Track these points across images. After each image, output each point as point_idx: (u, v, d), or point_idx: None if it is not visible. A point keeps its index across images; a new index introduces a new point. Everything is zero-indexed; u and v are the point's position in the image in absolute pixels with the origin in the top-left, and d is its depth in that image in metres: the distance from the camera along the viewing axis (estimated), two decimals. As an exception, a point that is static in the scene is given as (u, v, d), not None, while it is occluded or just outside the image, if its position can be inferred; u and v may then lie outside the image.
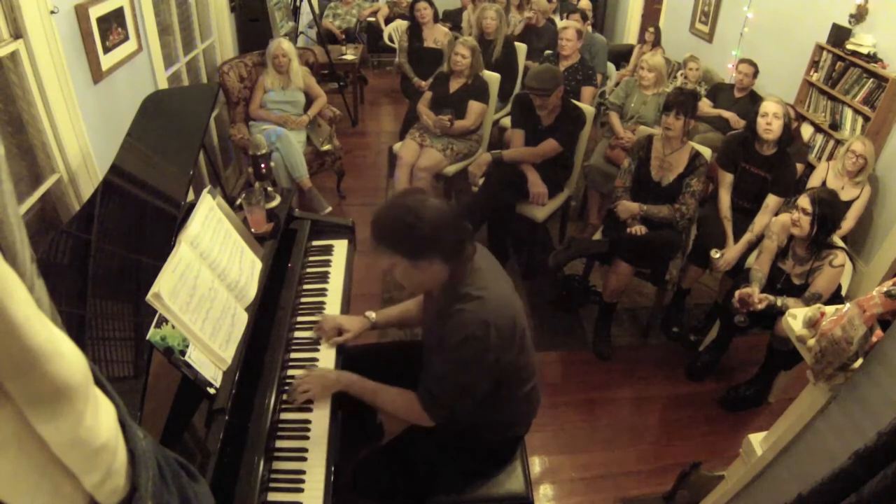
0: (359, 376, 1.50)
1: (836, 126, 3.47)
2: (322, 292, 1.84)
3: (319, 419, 1.43)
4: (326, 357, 1.62)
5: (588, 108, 3.08)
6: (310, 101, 3.61)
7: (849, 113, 3.38)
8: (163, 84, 2.77)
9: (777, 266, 2.30)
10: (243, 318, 1.44)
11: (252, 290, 1.53)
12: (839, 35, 3.42)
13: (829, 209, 2.07)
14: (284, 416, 1.43)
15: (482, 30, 4.07)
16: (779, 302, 2.14)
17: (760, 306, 2.13)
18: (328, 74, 4.75)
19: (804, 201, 2.11)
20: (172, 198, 1.59)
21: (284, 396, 1.46)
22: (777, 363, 2.36)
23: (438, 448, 1.55)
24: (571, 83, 3.66)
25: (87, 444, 0.37)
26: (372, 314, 1.72)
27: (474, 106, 3.32)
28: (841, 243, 2.27)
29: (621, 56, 5.49)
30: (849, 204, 2.96)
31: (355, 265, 2.06)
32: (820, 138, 3.59)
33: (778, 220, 2.30)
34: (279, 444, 1.36)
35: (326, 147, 3.60)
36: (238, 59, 3.56)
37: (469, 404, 1.39)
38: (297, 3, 4.97)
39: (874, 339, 1.18)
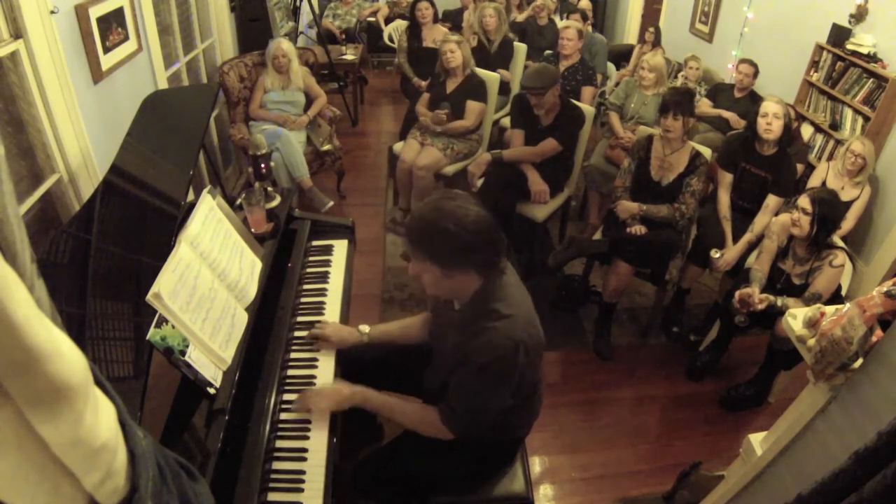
0: (374, 391, 1.48)
1: (836, 126, 3.47)
2: (322, 292, 1.84)
3: (319, 419, 1.42)
4: (326, 357, 1.62)
5: (588, 108, 3.08)
6: (310, 101, 3.62)
7: (849, 113, 3.38)
8: (163, 84, 2.77)
9: (777, 266, 2.30)
10: (243, 318, 1.44)
11: (252, 290, 1.53)
12: (839, 35, 3.42)
13: (828, 209, 2.07)
14: (284, 416, 1.43)
15: (483, 28, 4.08)
16: (779, 302, 2.15)
17: (760, 306, 2.13)
18: (328, 74, 4.75)
19: (804, 201, 2.11)
20: (172, 198, 1.59)
21: (293, 403, 1.44)
22: (777, 363, 2.36)
23: (438, 448, 1.54)
24: (571, 83, 3.66)
25: (86, 444, 0.37)
26: (366, 329, 1.65)
27: (473, 105, 3.32)
28: (841, 243, 2.27)
29: (621, 56, 5.49)
30: (849, 204, 2.96)
31: (355, 265, 2.06)
32: (820, 138, 3.59)
33: (778, 220, 2.30)
34: (279, 444, 1.36)
35: (326, 147, 3.60)
36: (238, 59, 3.56)
37: (491, 419, 1.40)
38: (297, 3, 4.97)
39: (874, 339, 1.18)
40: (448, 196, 1.28)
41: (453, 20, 5.56)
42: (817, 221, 2.07)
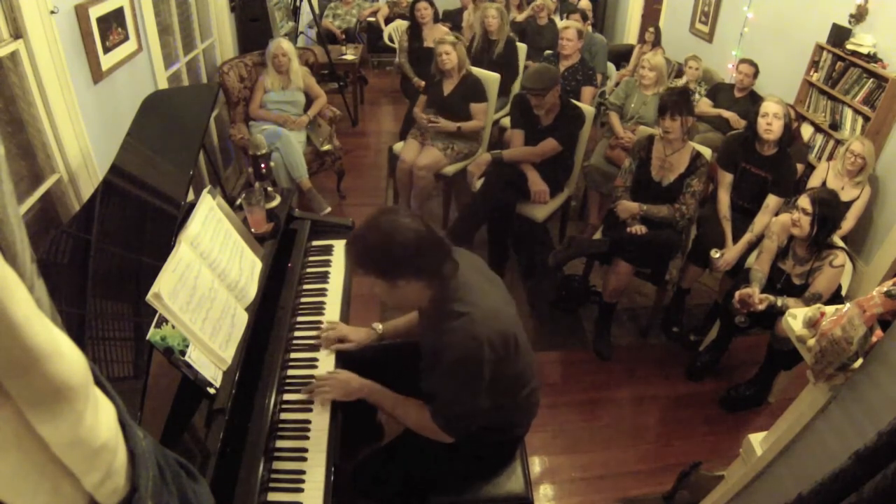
0: (381, 387, 1.50)
1: (836, 126, 3.46)
2: (322, 292, 1.84)
3: (319, 419, 1.43)
4: (326, 357, 1.61)
5: (588, 108, 3.08)
6: (310, 101, 3.61)
7: (849, 113, 3.38)
8: (163, 84, 2.77)
9: (777, 266, 2.30)
10: (243, 318, 1.44)
11: (252, 290, 1.53)
12: (839, 35, 3.42)
13: (829, 209, 2.07)
14: (284, 416, 1.43)
15: (485, 29, 4.07)
16: (779, 302, 2.14)
17: (761, 307, 2.13)
18: (328, 74, 4.75)
19: (804, 202, 2.10)
20: (172, 198, 1.59)
21: (302, 395, 1.47)
22: (777, 363, 2.36)
23: (438, 448, 1.54)
24: (571, 83, 3.66)
25: (86, 444, 0.36)
26: (379, 326, 1.72)
27: (477, 108, 3.33)
28: (841, 243, 2.27)
29: (621, 56, 5.48)
30: (849, 204, 2.96)
31: (355, 265, 2.06)
32: (820, 138, 3.59)
33: (778, 220, 2.30)
34: (279, 444, 1.36)
35: (326, 147, 3.60)
36: (238, 59, 3.56)
37: (481, 417, 1.41)
38: (297, 3, 4.97)
39: (874, 339, 1.18)
40: (382, 212, 1.33)
41: (453, 20, 5.56)
42: (817, 221, 2.07)
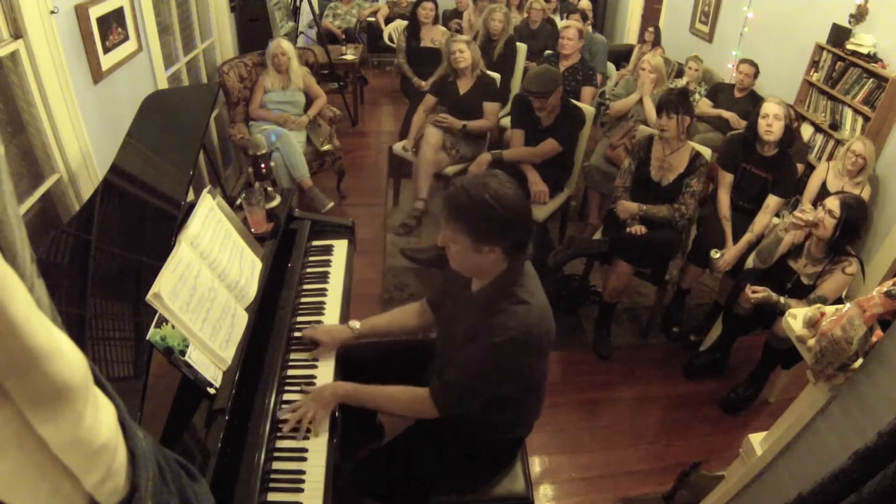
0: (353, 384, 1.47)
1: (836, 126, 3.46)
2: (322, 292, 1.84)
3: (320, 419, 1.42)
4: (325, 357, 1.61)
5: (588, 108, 3.08)
6: (310, 101, 3.62)
7: (849, 113, 3.38)
8: (163, 84, 2.77)
9: (788, 265, 2.28)
10: (243, 318, 1.44)
11: (252, 290, 1.53)
12: (839, 35, 3.42)
13: (856, 217, 2.06)
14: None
15: (489, 30, 4.07)
16: (781, 300, 2.14)
17: (761, 294, 2.13)
18: (328, 74, 4.75)
19: (833, 203, 2.08)
20: (172, 198, 1.59)
21: (285, 429, 1.39)
22: (773, 359, 2.36)
23: (439, 448, 1.54)
24: (571, 83, 3.66)
25: (87, 444, 0.36)
26: (356, 324, 1.66)
27: (490, 107, 3.32)
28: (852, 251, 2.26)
29: (621, 56, 5.48)
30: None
31: (355, 265, 2.06)
32: (820, 138, 3.59)
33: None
34: (279, 444, 1.36)
35: (326, 147, 3.60)
36: (238, 59, 3.56)
37: (478, 403, 1.39)
38: (297, 3, 4.97)
39: (874, 339, 1.18)
40: (491, 174, 1.31)
41: (451, 21, 5.56)
42: (842, 227, 2.06)
